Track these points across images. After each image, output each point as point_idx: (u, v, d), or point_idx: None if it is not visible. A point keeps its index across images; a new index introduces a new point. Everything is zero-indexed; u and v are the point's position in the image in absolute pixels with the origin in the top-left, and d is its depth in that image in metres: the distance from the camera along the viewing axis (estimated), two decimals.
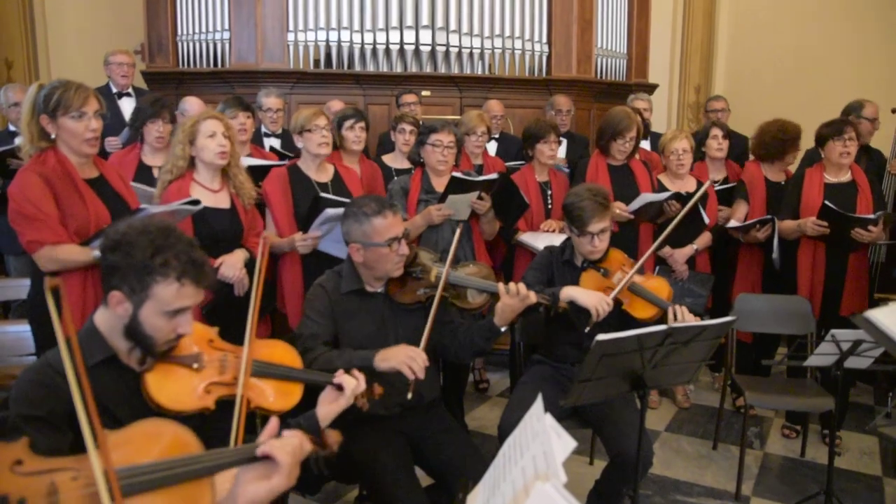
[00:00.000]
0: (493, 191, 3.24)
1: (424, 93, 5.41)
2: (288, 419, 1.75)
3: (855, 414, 3.92)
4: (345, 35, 5.39)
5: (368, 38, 5.42)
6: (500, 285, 2.26)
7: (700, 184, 3.80)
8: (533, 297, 2.24)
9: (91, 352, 1.52)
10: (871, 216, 3.25)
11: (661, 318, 2.46)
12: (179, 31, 5.51)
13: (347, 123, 3.51)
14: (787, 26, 6.89)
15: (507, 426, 2.35)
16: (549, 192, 3.71)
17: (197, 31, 5.48)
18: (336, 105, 4.48)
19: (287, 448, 1.35)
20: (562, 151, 4.61)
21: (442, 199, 3.17)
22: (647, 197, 3.47)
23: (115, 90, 4.57)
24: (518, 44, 5.64)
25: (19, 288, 3.25)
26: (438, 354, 2.48)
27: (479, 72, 5.63)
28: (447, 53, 5.51)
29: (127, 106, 4.47)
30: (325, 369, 2.04)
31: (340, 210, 2.74)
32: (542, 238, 3.43)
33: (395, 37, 5.43)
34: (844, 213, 3.24)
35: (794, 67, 6.72)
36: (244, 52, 5.41)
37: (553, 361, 2.74)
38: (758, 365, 3.87)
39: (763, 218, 3.58)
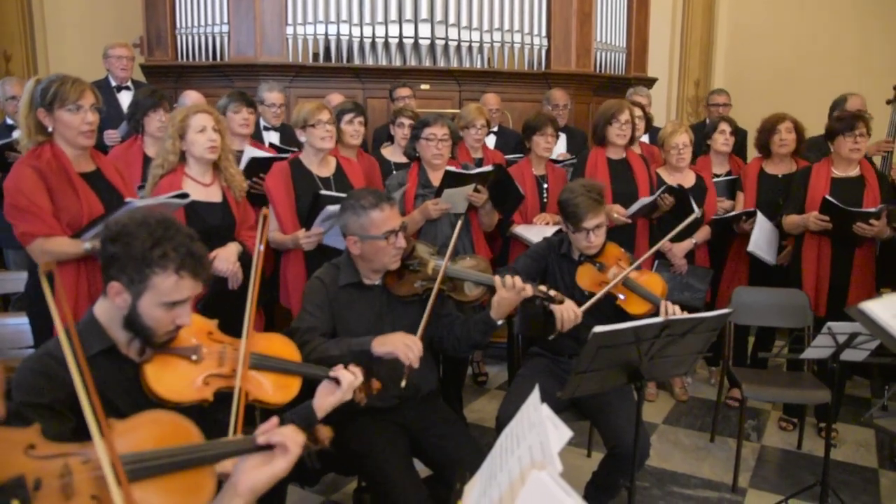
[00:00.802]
0: (489, 183, 3.24)
1: (423, 86, 5.41)
2: (285, 412, 1.77)
3: (852, 407, 3.93)
4: (344, 28, 5.38)
5: (367, 31, 5.41)
6: (497, 278, 2.26)
7: (699, 178, 3.82)
8: (529, 291, 2.25)
9: (90, 342, 1.53)
10: (873, 210, 3.25)
11: (655, 315, 2.47)
12: (178, 25, 5.50)
13: (346, 117, 3.51)
14: (786, 19, 6.88)
15: (504, 417, 2.36)
16: (545, 186, 3.72)
17: (196, 24, 5.47)
18: (335, 98, 4.48)
19: (286, 433, 1.38)
20: (561, 146, 4.62)
21: (438, 193, 3.18)
22: (643, 200, 3.52)
23: (114, 83, 4.56)
24: (517, 37, 5.63)
25: (18, 281, 3.25)
26: (436, 347, 2.49)
27: (478, 65, 5.62)
28: (446, 47, 5.50)
29: (126, 99, 4.46)
30: (322, 358, 2.06)
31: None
32: (537, 231, 3.45)
33: (394, 30, 5.42)
34: (845, 207, 3.23)
35: (793, 61, 6.71)
36: (243, 45, 5.40)
37: (551, 354, 2.75)
38: (755, 358, 3.89)
39: (747, 210, 3.59)
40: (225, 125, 2.89)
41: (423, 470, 2.29)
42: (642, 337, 2.04)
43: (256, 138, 4.02)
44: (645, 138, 4.45)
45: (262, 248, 1.91)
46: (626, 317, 2.52)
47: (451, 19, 5.46)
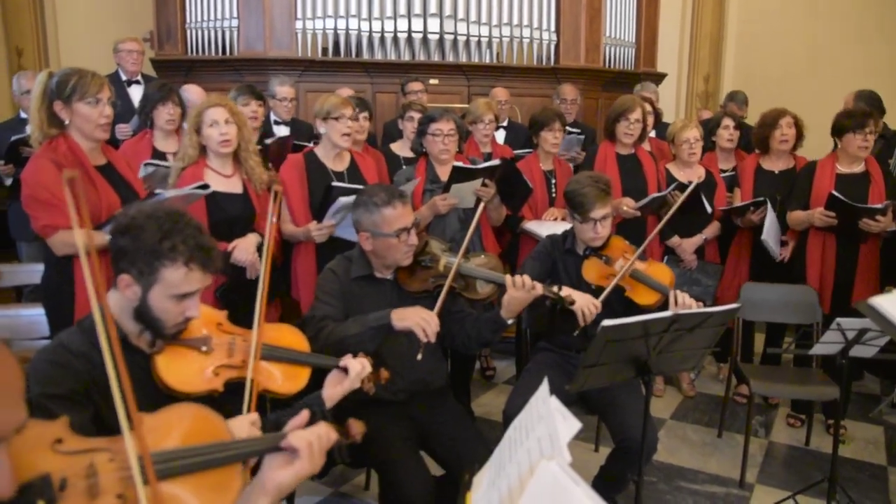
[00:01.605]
0: (496, 177, 3.24)
1: (432, 81, 5.41)
2: (295, 401, 1.79)
3: (861, 404, 3.92)
4: (353, 23, 5.40)
5: (377, 26, 5.42)
6: (508, 277, 2.27)
7: (708, 173, 3.82)
8: (539, 290, 2.25)
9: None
10: (879, 206, 3.24)
11: (664, 305, 2.47)
12: (188, 19, 5.53)
13: None
14: (796, 15, 6.85)
15: (511, 410, 2.37)
16: (554, 181, 3.72)
17: (205, 18, 5.49)
18: (345, 93, 4.48)
19: (308, 437, 1.38)
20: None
21: (446, 188, 3.18)
22: (653, 195, 3.53)
23: (124, 78, 4.59)
24: (526, 32, 5.63)
25: (31, 273, 3.29)
26: (446, 344, 2.49)
27: (487, 60, 5.63)
28: (455, 42, 5.51)
29: (136, 93, 4.49)
30: (341, 338, 2.09)
31: (353, 198, 2.75)
32: (547, 226, 3.44)
33: (402, 25, 5.43)
34: (851, 202, 3.22)
35: (803, 56, 6.68)
36: (252, 39, 5.42)
37: (558, 349, 2.75)
38: (765, 354, 3.88)
39: (756, 200, 3.58)
40: (243, 118, 2.91)
41: (435, 469, 2.30)
42: (651, 331, 2.04)
43: (267, 132, 4.04)
44: (653, 133, 4.43)
45: (276, 220, 1.89)
46: (635, 308, 2.52)
47: (460, 14, 5.46)
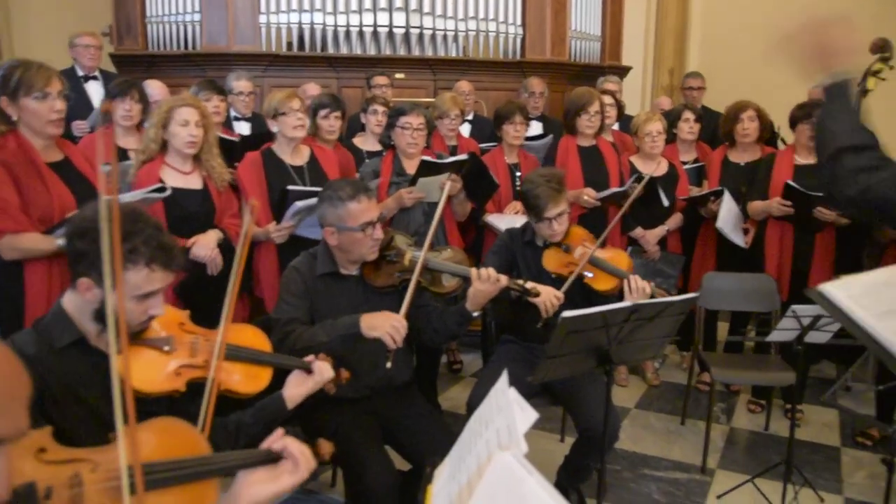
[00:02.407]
0: (463, 172, 3.26)
1: (398, 75, 5.40)
2: (255, 401, 1.78)
3: (818, 388, 4.02)
4: (318, 17, 5.36)
5: (342, 20, 5.39)
6: (473, 270, 2.29)
7: (671, 165, 3.88)
8: (504, 282, 2.27)
9: (60, 334, 1.52)
10: None
11: (623, 290, 2.51)
12: (148, 13, 5.44)
13: (322, 112, 3.49)
14: (760, 7, 6.95)
15: (474, 403, 2.39)
16: (518, 174, 3.75)
17: (166, 12, 5.41)
18: (312, 89, 4.46)
19: (304, 450, 1.39)
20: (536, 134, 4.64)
21: (413, 182, 3.18)
22: (614, 189, 3.57)
23: (81, 73, 4.47)
24: (492, 26, 5.64)
25: None
26: (412, 339, 2.50)
27: (454, 54, 5.63)
28: (421, 36, 5.50)
29: (93, 89, 4.41)
30: (307, 346, 2.07)
31: (311, 201, 2.74)
32: (507, 220, 3.48)
33: (368, 19, 5.41)
34: (806, 192, 3.31)
35: (767, 48, 6.79)
36: (215, 34, 5.35)
37: (522, 341, 2.78)
38: (727, 342, 3.97)
39: (714, 189, 3.66)
40: (211, 121, 2.89)
41: (402, 464, 2.32)
42: (611, 321, 2.08)
43: (227, 128, 4.00)
44: (616, 126, 4.48)
45: (246, 239, 1.88)
46: (595, 295, 2.56)
47: (426, 8, 5.45)
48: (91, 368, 1.56)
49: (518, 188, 3.73)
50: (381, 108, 3.81)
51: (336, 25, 5.39)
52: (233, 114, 4.21)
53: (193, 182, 2.84)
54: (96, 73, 4.53)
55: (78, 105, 3.74)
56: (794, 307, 2.65)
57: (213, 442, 1.47)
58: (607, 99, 4.07)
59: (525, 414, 1.33)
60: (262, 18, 5.32)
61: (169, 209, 2.69)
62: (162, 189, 2.54)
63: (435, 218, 2.38)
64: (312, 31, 5.37)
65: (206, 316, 1.79)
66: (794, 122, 3.58)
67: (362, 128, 4.07)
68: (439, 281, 2.42)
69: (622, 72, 6.16)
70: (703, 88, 5.06)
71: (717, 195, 3.63)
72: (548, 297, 2.45)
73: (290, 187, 2.98)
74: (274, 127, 3.14)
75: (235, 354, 1.79)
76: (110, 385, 1.53)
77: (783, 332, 2.77)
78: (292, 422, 2.05)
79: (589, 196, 3.55)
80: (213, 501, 1.29)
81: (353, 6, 5.38)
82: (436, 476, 1.46)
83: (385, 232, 2.38)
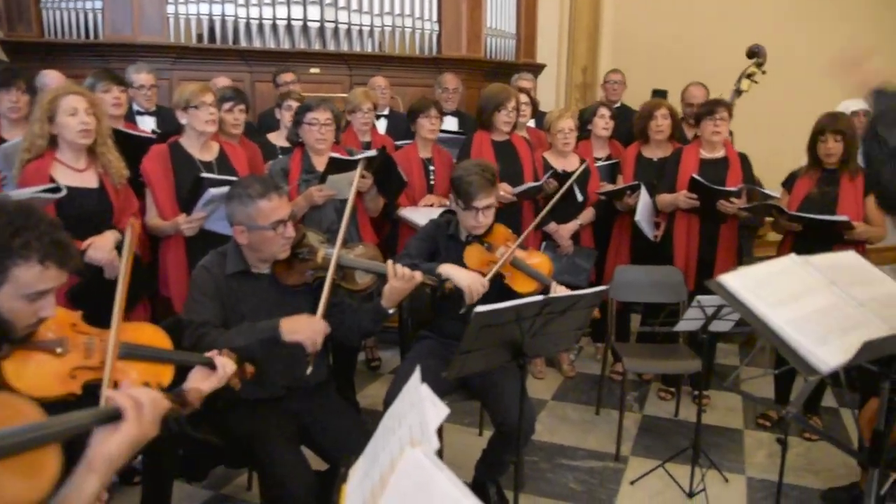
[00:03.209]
0: (373, 168, 3.23)
1: (313, 70, 5.31)
2: None
3: (724, 374, 4.23)
4: (229, 8, 5.19)
5: (254, 12, 5.24)
6: (389, 267, 2.27)
7: (583, 161, 3.97)
8: (419, 278, 2.27)
9: None
10: (734, 189, 3.51)
11: (544, 294, 2.55)
12: None
13: (226, 105, 3.37)
14: (669, 10, 7.24)
15: (390, 400, 2.37)
16: (432, 168, 3.76)
17: None
18: (222, 82, 4.31)
19: (134, 395, 1.31)
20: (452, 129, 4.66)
21: (322, 179, 3.14)
22: (529, 184, 3.63)
23: None
24: (408, 22, 5.61)
25: None
26: (326, 336, 2.47)
27: (369, 49, 5.57)
28: (336, 30, 5.41)
29: None
30: (228, 348, 2.01)
31: (225, 189, 2.65)
32: (422, 213, 3.49)
33: (282, 12, 5.27)
34: (710, 185, 3.47)
35: (679, 46, 7.07)
36: (119, 23, 5.10)
37: (439, 337, 2.79)
38: (640, 333, 4.11)
39: (631, 184, 3.79)
40: (102, 109, 2.73)
41: (319, 464, 2.28)
42: (523, 315, 2.10)
43: (130, 122, 3.81)
44: (531, 123, 4.55)
45: (128, 261, 1.77)
46: (512, 296, 2.58)
47: (342, 2, 5.38)
48: None
49: (432, 182, 3.74)
50: (295, 104, 3.72)
51: (248, 18, 5.23)
52: (135, 108, 4.02)
53: (89, 180, 2.68)
54: None
55: None
56: (699, 297, 2.77)
57: None
58: (523, 97, 4.12)
59: (437, 410, 1.33)
60: (171, 9, 5.11)
61: (62, 209, 2.49)
62: (56, 189, 2.40)
63: (346, 214, 2.36)
64: (224, 23, 5.20)
65: (103, 322, 1.71)
66: (698, 119, 3.75)
67: (277, 123, 3.97)
68: (353, 278, 2.40)
69: (537, 69, 6.27)
70: (624, 84, 5.20)
71: (634, 189, 3.75)
72: (473, 282, 2.48)
73: (205, 174, 2.88)
74: (183, 119, 3.02)
75: (133, 353, 1.73)
76: None
77: (689, 321, 2.89)
78: (202, 424, 2.00)
79: (505, 191, 3.59)
80: (53, 469, 1.19)
81: None
82: (350, 475, 1.45)
83: (297, 229, 2.33)
